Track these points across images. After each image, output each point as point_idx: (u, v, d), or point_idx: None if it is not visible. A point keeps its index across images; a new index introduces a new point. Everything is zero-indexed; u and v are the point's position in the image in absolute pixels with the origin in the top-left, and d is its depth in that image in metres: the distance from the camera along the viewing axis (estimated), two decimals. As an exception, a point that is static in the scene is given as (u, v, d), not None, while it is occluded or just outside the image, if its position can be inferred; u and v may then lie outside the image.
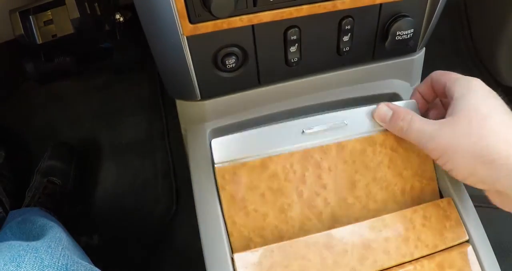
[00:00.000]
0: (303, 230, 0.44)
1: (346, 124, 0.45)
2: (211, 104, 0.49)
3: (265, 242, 0.43)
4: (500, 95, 0.41)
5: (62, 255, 0.37)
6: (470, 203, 0.47)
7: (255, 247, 0.42)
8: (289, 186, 0.44)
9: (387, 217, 0.44)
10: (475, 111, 0.38)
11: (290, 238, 0.42)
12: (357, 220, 0.44)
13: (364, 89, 0.54)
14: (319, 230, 0.43)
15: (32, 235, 0.46)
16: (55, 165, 0.90)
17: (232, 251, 0.42)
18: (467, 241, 0.45)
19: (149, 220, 0.80)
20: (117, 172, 0.86)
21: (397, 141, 0.46)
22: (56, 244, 0.39)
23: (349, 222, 0.44)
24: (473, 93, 0.40)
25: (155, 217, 0.81)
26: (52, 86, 0.91)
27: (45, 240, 0.39)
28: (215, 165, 0.44)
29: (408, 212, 0.45)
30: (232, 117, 0.51)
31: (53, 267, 0.35)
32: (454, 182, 0.47)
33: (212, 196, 0.44)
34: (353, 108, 0.46)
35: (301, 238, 0.42)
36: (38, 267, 0.34)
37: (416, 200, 0.46)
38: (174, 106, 0.91)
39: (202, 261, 0.79)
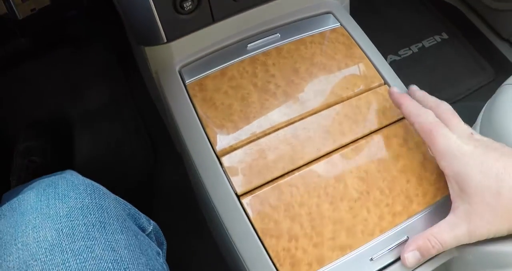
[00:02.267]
0: (263, 108, 0.53)
1: (279, 35, 0.58)
2: (176, 44, 0.56)
3: (235, 126, 0.52)
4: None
5: (83, 177, 0.43)
6: (404, 88, 0.58)
7: (227, 130, 0.52)
8: (244, 82, 0.55)
9: (338, 107, 0.54)
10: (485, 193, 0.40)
11: (254, 117, 0.52)
12: (306, 93, 0.54)
13: (301, 12, 0.62)
14: (277, 106, 0.53)
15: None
16: (32, 145, 0.92)
17: (210, 141, 0.51)
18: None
19: (130, 174, 0.86)
20: (91, 137, 0.90)
21: (323, 37, 0.57)
22: (73, 174, 0.44)
23: (301, 99, 0.54)
24: (470, 171, 0.41)
25: (136, 171, 0.87)
26: (12, 69, 0.93)
27: (64, 173, 0.45)
28: (186, 83, 0.54)
29: (353, 100, 0.54)
30: (195, 53, 0.58)
31: (83, 184, 0.40)
32: (387, 69, 0.58)
33: (188, 110, 0.54)
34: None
35: (271, 135, 0.51)
36: (71, 186, 0.40)
37: (353, 73, 0.56)
38: (133, 70, 0.94)
39: (189, 198, 0.86)
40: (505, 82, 0.62)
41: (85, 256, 0.34)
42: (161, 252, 0.43)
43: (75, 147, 0.90)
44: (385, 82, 0.57)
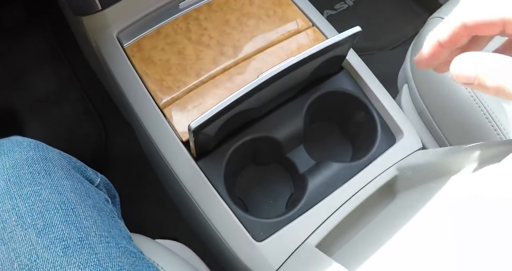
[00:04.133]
0: (199, 59, 0.54)
1: None
2: (111, 11, 0.56)
3: (174, 79, 0.53)
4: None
5: (28, 138, 0.43)
6: (332, 28, 0.60)
7: (167, 84, 0.52)
8: (179, 37, 0.55)
9: (269, 50, 0.55)
10: None
11: (191, 68, 0.53)
12: (238, 40, 0.55)
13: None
14: (212, 56, 0.54)
15: None
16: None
17: (152, 95, 0.52)
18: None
19: (85, 156, 0.85)
20: (41, 125, 0.88)
21: (261, 1, 0.58)
22: (18, 137, 0.44)
23: (234, 47, 0.55)
24: None
25: (90, 151, 0.86)
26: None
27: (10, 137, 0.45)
28: (124, 46, 0.54)
29: (284, 43, 0.56)
30: (131, 17, 0.58)
31: (26, 141, 0.41)
32: (314, 12, 0.59)
33: (128, 70, 0.54)
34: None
35: (209, 82, 0.53)
36: (15, 143, 0.39)
37: (282, 19, 0.57)
38: (76, 52, 0.92)
39: (142, 161, 0.85)
40: (431, 16, 0.65)
41: (33, 199, 0.35)
42: (109, 200, 0.44)
43: (27, 135, 0.88)
44: (313, 24, 0.59)
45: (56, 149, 0.42)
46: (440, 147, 0.60)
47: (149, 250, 0.45)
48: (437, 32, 0.30)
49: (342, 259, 0.44)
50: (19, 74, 0.89)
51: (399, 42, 0.94)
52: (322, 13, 0.88)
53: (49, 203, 0.35)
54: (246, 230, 0.46)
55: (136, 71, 0.54)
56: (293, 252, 0.46)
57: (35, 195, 0.35)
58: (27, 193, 0.35)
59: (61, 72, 0.91)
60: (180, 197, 0.55)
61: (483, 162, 0.45)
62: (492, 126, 0.53)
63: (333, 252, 0.48)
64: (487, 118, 0.53)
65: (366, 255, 0.45)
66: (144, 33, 0.56)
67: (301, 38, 0.56)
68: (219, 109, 0.41)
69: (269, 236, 0.46)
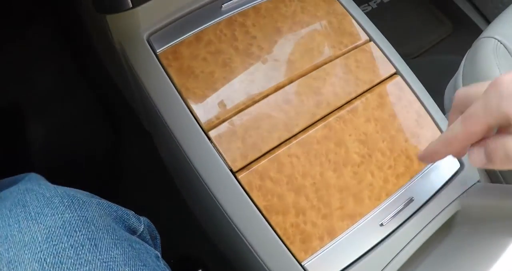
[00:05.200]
0: (248, 73, 0.47)
1: None
2: (142, 9, 0.47)
3: (220, 95, 0.45)
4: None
5: (53, 186, 0.35)
6: (388, 44, 0.54)
7: (211, 101, 0.45)
8: (224, 46, 0.48)
9: (326, 67, 0.48)
10: None
11: (240, 83, 0.46)
12: (292, 54, 0.48)
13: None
14: (263, 70, 0.47)
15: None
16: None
17: (193, 114, 0.45)
18: (395, 73, 0.52)
19: (93, 156, 0.77)
20: (45, 123, 0.79)
21: (315, 2, 0.51)
22: (41, 183, 0.36)
23: (287, 60, 0.48)
24: None
25: (98, 152, 0.78)
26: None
27: (29, 183, 0.36)
28: (157, 53, 0.46)
29: (342, 58, 0.50)
30: (164, 17, 0.49)
31: (57, 196, 0.32)
32: (370, 25, 0.54)
33: (163, 82, 0.46)
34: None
35: (261, 102, 0.46)
36: (43, 200, 0.31)
37: (338, 31, 0.51)
38: (84, 45, 0.82)
39: (162, 178, 0.78)
40: (481, 36, 0.61)
41: None
42: (159, 254, 0.37)
43: (30, 135, 0.78)
44: (371, 39, 0.53)
45: (93, 199, 0.34)
46: (491, 178, 0.57)
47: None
48: (454, 134, 0.31)
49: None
50: (22, 68, 0.78)
51: (423, 49, 0.90)
52: None
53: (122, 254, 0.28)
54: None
55: (174, 85, 0.46)
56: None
57: (77, 266, 0.27)
58: (72, 264, 0.27)
59: (66, 66, 0.80)
60: (222, 229, 0.48)
61: None
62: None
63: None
64: None
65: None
66: (181, 38, 0.48)
67: (359, 54, 0.50)
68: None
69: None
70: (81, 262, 0.27)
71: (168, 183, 0.71)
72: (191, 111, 0.45)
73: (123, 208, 0.36)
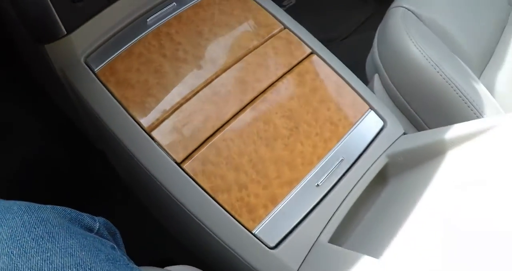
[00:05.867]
0: (178, 75, 0.52)
1: (175, 4, 0.57)
2: (76, 35, 0.52)
3: (156, 99, 0.50)
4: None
5: (11, 200, 0.39)
6: (302, 28, 0.60)
7: (149, 105, 0.50)
8: (153, 55, 0.53)
9: (247, 58, 0.54)
10: None
11: (172, 86, 0.51)
12: (215, 51, 0.54)
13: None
14: (190, 70, 0.52)
15: None
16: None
17: (136, 120, 0.50)
18: (312, 53, 0.58)
19: (54, 181, 0.80)
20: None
21: (230, 3, 0.57)
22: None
23: (211, 58, 0.54)
24: None
25: (58, 177, 0.80)
26: None
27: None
28: (96, 71, 0.51)
29: (260, 48, 0.55)
30: (97, 39, 0.54)
31: (14, 204, 0.37)
32: (283, 15, 0.59)
33: (105, 97, 0.51)
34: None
35: (193, 98, 0.51)
36: (2, 208, 0.36)
37: (254, 25, 0.56)
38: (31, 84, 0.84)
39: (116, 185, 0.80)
40: (391, 6, 0.67)
41: (46, 269, 0.32)
42: (115, 246, 0.41)
43: None
44: (285, 27, 0.58)
45: (47, 205, 0.39)
46: (419, 130, 0.62)
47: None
48: None
49: (354, 247, 0.46)
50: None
51: (350, 30, 0.96)
52: None
53: (64, 268, 0.33)
54: (259, 240, 0.46)
55: (114, 97, 0.51)
56: (309, 252, 0.47)
57: (47, 263, 0.32)
58: (37, 263, 0.32)
59: (12, 106, 0.83)
60: (179, 219, 0.53)
61: (465, 140, 0.47)
62: (466, 103, 0.56)
63: (343, 242, 0.49)
64: (460, 97, 0.56)
65: (374, 239, 0.47)
66: (115, 54, 0.53)
67: (276, 42, 0.56)
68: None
69: (282, 241, 0.47)
70: (43, 250, 0.32)
71: (128, 193, 0.76)
72: (133, 118, 0.50)
73: (77, 211, 0.41)
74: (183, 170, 0.48)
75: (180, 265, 0.49)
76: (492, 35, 0.71)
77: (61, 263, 0.32)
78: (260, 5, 0.59)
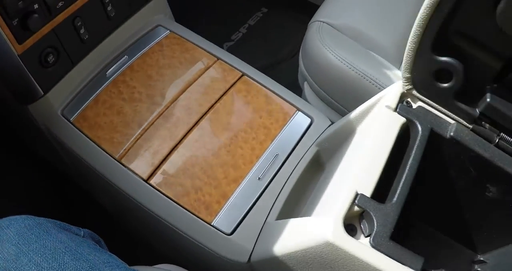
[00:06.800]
0: (137, 112, 0.64)
1: (127, 57, 0.70)
2: (51, 94, 0.64)
3: (121, 134, 0.63)
4: None
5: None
6: (233, 57, 0.73)
7: (117, 140, 0.62)
8: (114, 100, 0.65)
9: (190, 89, 0.67)
10: None
11: (132, 121, 0.63)
12: (163, 89, 0.67)
13: (137, 34, 0.75)
14: (146, 107, 0.65)
15: None
16: None
17: (108, 153, 0.61)
18: (242, 75, 0.70)
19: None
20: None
21: (161, 45, 0.71)
22: None
23: (161, 94, 0.66)
24: None
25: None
26: None
27: None
28: (71, 121, 0.64)
29: (199, 79, 0.68)
30: (69, 94, 0.67)
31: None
32: (216, 48, 0.73)
33: (82, 140, 0.63)
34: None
35: (150, 128, 0.63)
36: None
37: (191, 61, 0.70)
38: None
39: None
40: (310, 22, 0.79)
41: (43, 250, 0.41)
42: (98, 246, 0.52)
43: None
44: (218, 58, 0.71)
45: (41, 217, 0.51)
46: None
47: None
48: None
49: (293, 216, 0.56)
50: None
51: (295, 50, 1.09)
52: (222, 47, 1.00)
53: (56, 249, 0.44)
54: (217, 229, 0.57)
55: (89, 138, 0.63)
56: (260, 232, 0.57)
57: (43, 247, 0.44)
58: (37, 247, 0.43)
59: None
60: (151, 225, 0.63)
61: (365, 114, 0.57)
62: (380, 90, 0.67)
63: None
64: (375, 86, 0.66)
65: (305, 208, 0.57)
66: (85, 104, 0.66)
67: (211, 72, 0.69)
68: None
69: (236, 227, 0.57)
70: (40, 239, 0.43)
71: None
72: (105, 151, 0.62)
73: (66, 223, 0.53)
74: (149, 184, 0.60)
75: (167, 264, 0.60)
76: (407, 26, 0.80)
77: (54, 246, 0.44)
78: (196, 44, 0.72)
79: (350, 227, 0.44)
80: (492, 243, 0.57)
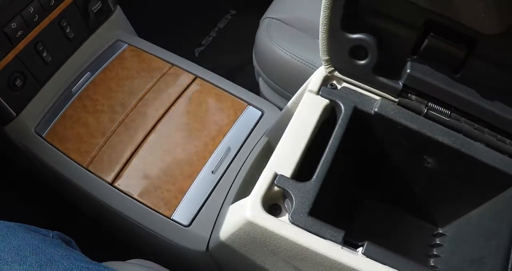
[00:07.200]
0: (100, 122, 0.69)
1: (90, 73, 0.75)
2: (23, 114, 0.71)
3: (87, 144, 0.68)
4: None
5: None
6: (187, 61, 0.77)
7: (84, 149, 0.68)
8: (80, 114, 0.71)
9: (147, 96, 0.72)
10: None
11: (96, 131, 0.69)
12: (123, 98, 0.72)
13: (98, 50, 0.80)
14: (108, 116, 0.70)
15: None
16: None
17: (77, 162, 0.67)
18: (196, 78, 0.75)
19: None
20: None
21: (120, 58, 0.76)
22: None
23: (121, 104, 0.71)
24: None
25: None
26: None
27: None
28: (43, 136, 0.69)
29: (155, 86, 0.73)
30: (39, 112, 0.73)
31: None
32: (170, 55, 0.77)
33: (54, 153, 0.69)
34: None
35: (113, 135, 0.69)
36: None
37: (147, 70, 0.74)
38: None
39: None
40: (262, 18, 0.83)
41: (12, 243, 0.47)
42: (65, 244, 0.57)
43: None
44: (173, 65, 0.76)
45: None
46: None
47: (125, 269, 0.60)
48: None
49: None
50: None
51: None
52: (194, 53, 1.05)
53: (20, 246, 0.49)
54: (176, 222, 0.62)
55: (59, 150, 0.69)
56: (216, 221, 0.62)
57: (9, 244, 0.49)
58: (2, 245, 0.49)
59: None
60: (119, 223, 0.68)
61: (299, 97, 0.60)
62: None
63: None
64: (312, 69, 0.70)
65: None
66: (54, 120, 0.71)
67: (167, 79, 0.74)
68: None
69: (194, 219, 0.62)
70: (7, 238, 0.49)
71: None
72: (75, 161, 0.68)
73: (34, 226, 0.58)
74: (114, 187, 0.65)
75: (137, 259, 0.65)
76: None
77: (18, 244, 0.49)
78: (151, 54, 0.77)
79: (275, 207, 0.47)
80: (449, 215, 0.58)
